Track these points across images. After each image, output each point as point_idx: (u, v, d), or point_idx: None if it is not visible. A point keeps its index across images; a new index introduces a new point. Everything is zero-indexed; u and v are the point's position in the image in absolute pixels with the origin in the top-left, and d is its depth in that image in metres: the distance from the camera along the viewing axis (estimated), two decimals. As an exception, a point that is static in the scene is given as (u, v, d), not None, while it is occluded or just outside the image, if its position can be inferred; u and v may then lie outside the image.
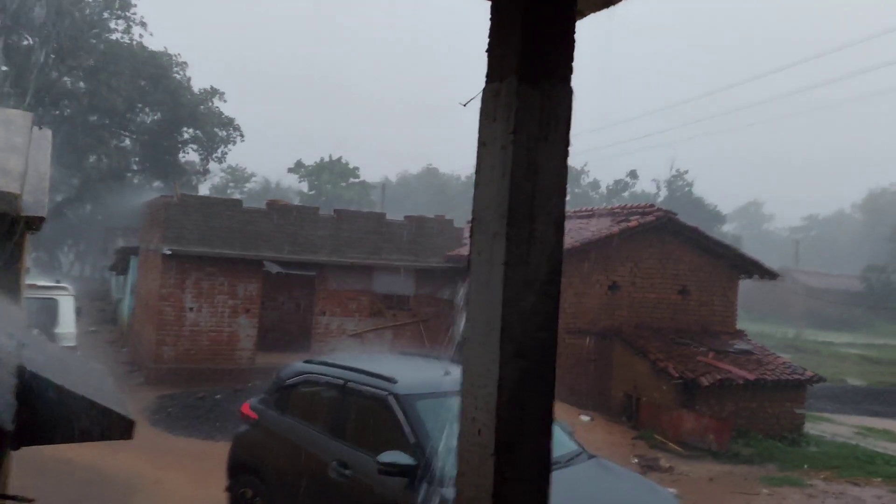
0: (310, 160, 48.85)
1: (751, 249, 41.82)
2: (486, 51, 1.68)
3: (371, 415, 5.81)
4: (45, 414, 2.13)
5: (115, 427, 2.42)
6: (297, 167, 49.05)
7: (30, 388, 2.08)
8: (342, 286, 16.39)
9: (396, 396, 5.59)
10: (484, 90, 1.65)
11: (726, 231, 53.88)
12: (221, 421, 11.71)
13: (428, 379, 5.85)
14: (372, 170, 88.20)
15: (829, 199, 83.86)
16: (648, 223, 14.60)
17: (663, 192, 53.57)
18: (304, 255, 15.79)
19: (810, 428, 14.03)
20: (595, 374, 14.10)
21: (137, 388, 14.05)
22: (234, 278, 15.26)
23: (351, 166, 48.73)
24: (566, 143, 1.56)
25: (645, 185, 55.85)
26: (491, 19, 1.67)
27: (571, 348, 14.05)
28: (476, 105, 1.72)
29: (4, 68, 29.00)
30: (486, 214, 1.60)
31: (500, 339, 1.51)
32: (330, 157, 48.45)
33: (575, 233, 14.97)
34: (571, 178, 57.87)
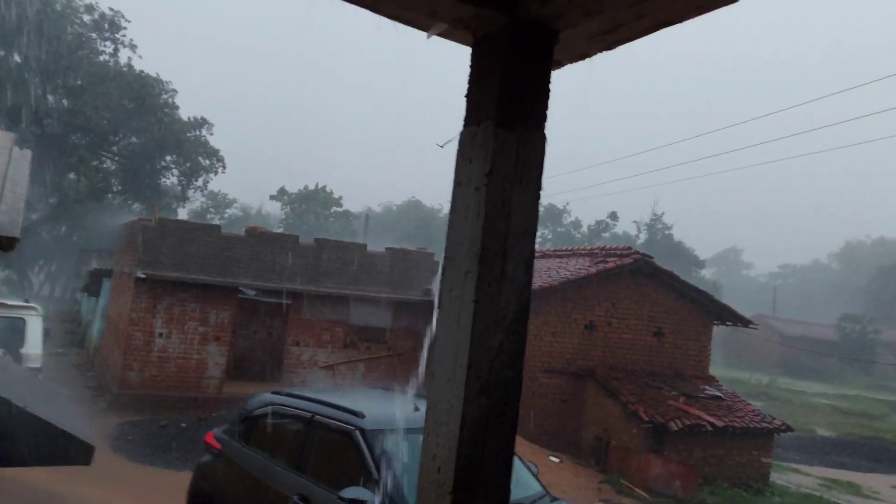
0: (293, 189, 48.87)
1: (728, 295, 42.34)
2: (465, 95, 1.72)
3: (336, 449, 5.72)
4: (5, 436, 2.10)
5: (75, 452, 2.38)
6: (280, 194, 48.99)
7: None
8: (317, 316, 16.25)
9: (363, 431, 5.52)
10: (462, 133, 1.70)
11: (705, 276, 54.55)
12: (184, 450, 11.46)
13: (396, 414, 5.80)
14: (356, 200, 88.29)
15: (805, 248, 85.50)
16: (626, 265, 14.82)
17: (643, 235, 54.28)
18: (281, 282, 15.67)
19: (776, 478, 14.06)
20: (567, 414, 14.08)
21: (101, 414, 13.72)
22: (206, 305, 15.07)
23: (335, 195, 48.80)
24: (538, 186, 1.61)
25: (626, 227, 56.58)
26: (471, 66, 1.72)
27: (546, 387, 14.04)
28: (454, 146, 1.76)
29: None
30: (458, 252, 1.63)
31: (466, 377, 1.53)
32: (316, 185, 48.49)
33: (554, 272, 15.10)
34: (553, 217, 58.56)
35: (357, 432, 5.53)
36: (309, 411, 6.09)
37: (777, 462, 14.80)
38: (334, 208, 48.53)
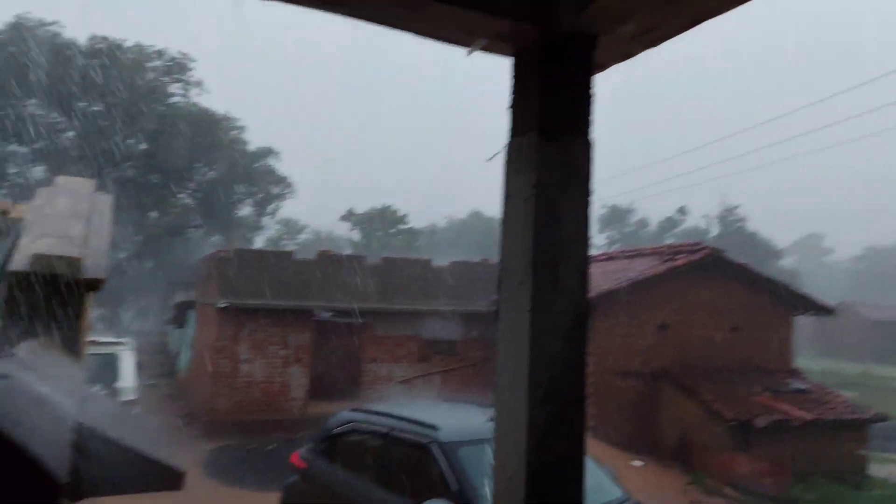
0: (361, 209, 49.84)
1: (810, 283, 40.37)
2: (509, 107, 1.75)
3: (414, 463, 5.80)
4: (99, 467, 2.24)
5: (166, 478, 2.51)
6: (348, 216, 50.03)
7: (86, 443, 2.20)
8: (389, 332, 16.51)
9: (439, 444, 5.58)
10: (507, 145, 1.73)
11: (783, 265, 52.27)
12: (273, 471, 11.79)
13: (471, 426, 5.83)
14: (420, 216, 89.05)
15: (889, 230, 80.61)
16: (695, 261, 14.41)
17: (715, 228, 52.52)
18: (353, 302, 16.00)
19: (875, 470, 13.29)
20: (645, 416, 13.76)
21: (194, 440, 14.28)
22: (285, 329, 15.53)
23: (399, 213, 49.45)
24: (587, 193, 1.62)
25: (696, 222, 54.87)
26: (511, 78, 1.75)
27: (620, 391, 13.77)
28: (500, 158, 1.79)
29: (72, 133, 30.71)
30: (512, 264, 1.66)
31: (528, 385, 1.55)
32: (381, 205, 49.33)
33: (620, 273, 14.83)
34: (618, 218, 57.41)
35: (433, 445, 5.60)
36: (386, 426, 6.21)
37: (875, 453, 13.98)
38: (399, 226, 49.16)
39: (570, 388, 1.56)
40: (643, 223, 58.12)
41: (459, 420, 6.22)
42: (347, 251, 38.19)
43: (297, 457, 7.19)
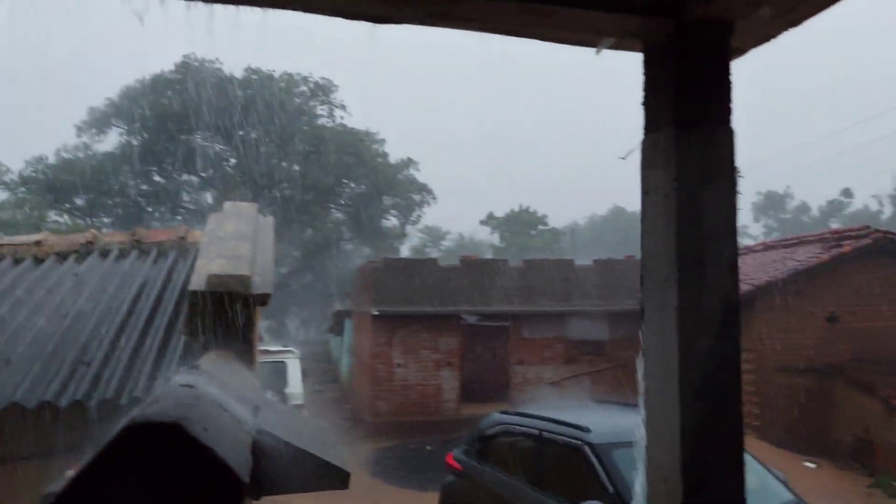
0: (501, 212, 50.16)
1: None
2: (642, 103, 1.73)
3: (567, 464, 5.80)
4: (274, 467, 2.45)
5: (333, 478, 2.70)
6: (489, 220, 50.52)
7: (262, 445, 2.42)
8: (535, 334, 16.50)
9: (591, 445, 5.55)
10: (643, 141, 1.70)
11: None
12: (432, 471, 12.16)
13: (623, 427, 5.70)
14: (560, 216, 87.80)
15: None
16: (865, 247, 13.08)
17: (888, 209, 47.36)
18: (497, 306, 16.16)
19: None
20: (815, 415, 12.65)
21: (359, 442, 15.05)
22: (435, 333, 16.02)
23: (539, 214, 49.21)
24: (732, 184, 1.56)
25: (864, 203, 49.78)
26: (644, 73, 1.72)
27: (785, 388, 12.78)
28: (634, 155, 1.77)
29: (234, 160, 33.53)
30: (654, 262, 1.63)
31: (679, 384, 1.52)
32: (519, 206, 49.37)
33: (780, 263, 13.79)
34: (774, 205, 53.36)
35: (586, 447, 5.57)
36: (537, 428, 6.26)
37: None
38: (540, 227, 48.89)
39: (723, 387, 1.51)
40: (803, 208, 53.66)
41: (611, 421, 6.12)
42: (489, 255, 38.58)
43: (452, 457, 7.40)
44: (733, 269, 1.55)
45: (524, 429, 6.47)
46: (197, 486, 1.47)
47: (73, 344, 4.44)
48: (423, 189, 36.30)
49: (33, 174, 30.44)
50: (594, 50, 1.79)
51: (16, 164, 30.81)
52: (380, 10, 1.56)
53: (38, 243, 5.83)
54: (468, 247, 50.75)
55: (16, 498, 3.39)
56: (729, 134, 1.58)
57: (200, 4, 1.49)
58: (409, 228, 39.04)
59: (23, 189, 30.54)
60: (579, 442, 5.67)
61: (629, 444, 5.41)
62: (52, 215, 31.25)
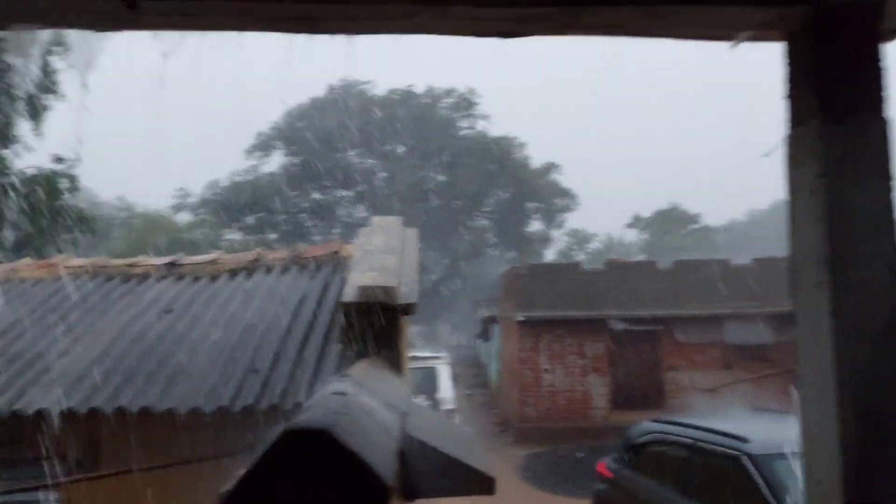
0: (648, 212, 48.43)
1: None
2: (785, 96, 1.65)
3: (723, 476, 5.54)
4: (420, 472, 2.55)
5: (479, 483, 2.75)
6: (635, 221, 48.93)
7: (409, 451, 2.53)
8: (688, 339, 15.72)
9: (750, 456, 5.24)
10: (786, 136, 1.62)
11: None
12: (583, 478, 11.98)
13: (785, 437, 5.31)
14: (715, 213, 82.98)
15: None
16: None
17: None
18: (646, 309, 15.60)
19: None
20: None
21: (508, 447, 15.14)
22: (581, 338, 15.79)
23: (690, 212, 46.92)
24: (887, 178, 1.44)
25: None
26: (785, 65, 1.64)
27: None
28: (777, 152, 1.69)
29: (384, 174, 35.05)
30: (804, 264, 1.55)
31: (837, 396, 1.43)
32: (669, 204, 47.40)
33: None
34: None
35: (745, 458, 5.27)
36: (690, 438, 6.05)
37: None
38: (691, 226, 46.53)
39: (887, 400, 1.39)
40: None
41: (772, 431, 5.72)
42: (637, 257, 37.35)
43: (603, 466, 7.29)
44: (893, 270, 1.43)
45: (677, 438, 6.25)
46: (345, 490, 1.58)
47: (244, 354, 4.87)
48: (566, 194, 35.99)
49: (210, 197, 33.66)
50: (729, 45, 1.72)
51: (197, 189, 34.26)
52: (506, 26, 1.61)
53: (213, 262, 6.47)
54: (616, 249, 49.38)
55: (197, 496, 3.77)
56: (881, 124, 1.46)
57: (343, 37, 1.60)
58: (553, 232, 38.76)
59: (202, 210, 33.90)
60: (737, 452, 5.39)
61: (791, 456, 5.04)
62: (227, 234, 34.44)
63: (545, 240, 39.18)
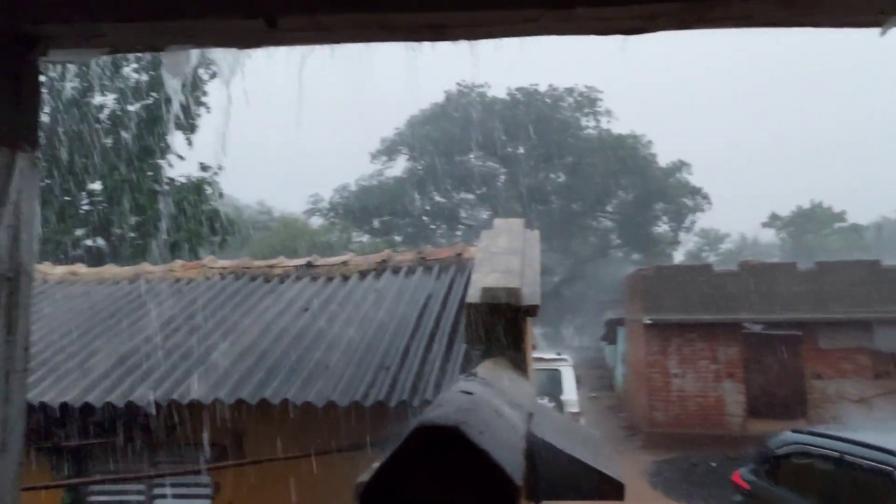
0: (785, 211, 45.37)
1: None
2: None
3: (873, 492, 5.15)
4: (547, 474, 2.56)
5: (608, 488, 2.72)
6: (772, 220, 45.95)
7: (535, 452, 2.55)
8: (833, 345, 14.60)
9: (906, 473, 4.79)
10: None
11: None
12: (717, 488, 11.47)
13: None
14: (863, 210, 75.88)
15: None
16: None
17: None
18: (784, 313, 14.65)
19: None
20: None
21: (636, 452, 14.74)
22: (712, 342, 15.14)
23: (835, 210, 43.42)
24: None
25: None
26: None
27: None
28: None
29: (505, 177, 35.12)
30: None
31: None
32: (810, 203, 44.14)
33: None
34: None
35: (899, 474, 4.84)
36: (838, 451, 5.65)
37: None
38: (836, 224, 43.01)
39: None
40: None
41: None
42: (774, 258, 35.10)
43: (739, 476, 6.95)
44: None
45: (822, 450, 5.86)
46: (474, 487, 1.64)
47: (375, 352, 5.09)
48: (697, 192, 34.35)
49: (340, 201, 35.26)
50: (878, 31, 1.62)
51: (328, 194, 36.06)
52: (632, 24, 1.58)
53: (344, 263, 6.81)
54: (750, 250, 46.61)
55: (333, 486, 3.99)
56: None
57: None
58: (682, 234, 37.18)
59: (332, 214, 35.61)
60: (890, 468, 4.98)
61: None
62: (356, 237, 35.95)
63: (673, 241, 37.69)
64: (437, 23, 1.50)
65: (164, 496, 5.23)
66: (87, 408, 4.76)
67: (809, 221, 43.42)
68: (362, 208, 33.80)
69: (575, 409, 12.66)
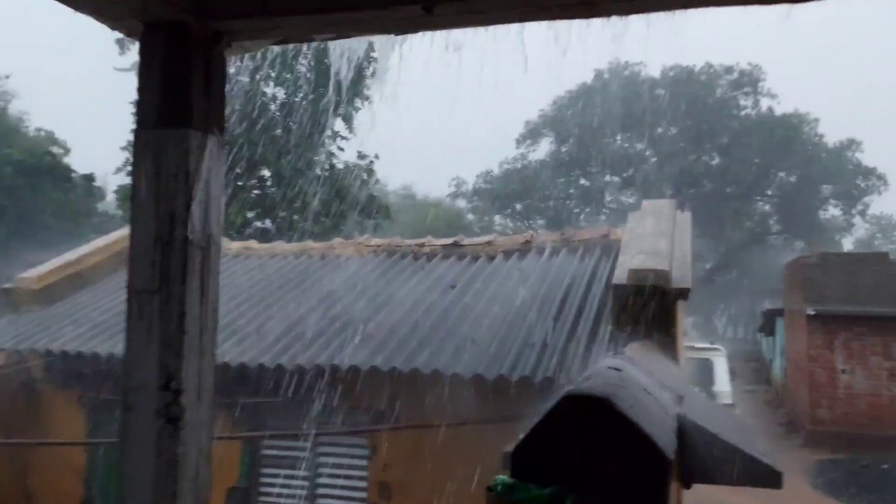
0: None
1: None
2: None
3: None
4: (700, 457, 2.55)
5: (765, 476, 2.66)
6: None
7: (686, 433, 2.54)
8: None
9: None
10: None
11: None
12: (890, 491, 10.53)
13: None
14: None
15: None
16: None
17: None
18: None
19: None
20: None
21: (796, 450, 13.88)
22: (888, 338, 13.82)
23: None
24: None
25: None
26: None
27: None
28: None
29: (654, 159, 33.80)
30: None
31: None
32: None
33: None
34: None
35: None
36: None
37: None
38: None
39: None
40: None
41: None
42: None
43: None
44: None
45: None
46: (626, 457, 1.69)
47: (520, 329, 5.23)
48: (871, 173, 31.15)
49: (483, 185, 35.67)
50: None
51: (472, 178, 36.60)
52: None
53: (489, 243, 6.99)
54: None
55: (481, 453, 4.16)
56: None
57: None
58: (854, 220, 33.96)
59: (475, 198, 36.16)
60: None
61: None
62: (498, 219, 36.26)
63: (843, 227, 34.54)
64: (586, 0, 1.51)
65: (325, 454, 5.71)
66: (261, 369, 5.30)
67: None
68: (505, 192, 34.00)
69: (728, 402, 12.10)
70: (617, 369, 2.58)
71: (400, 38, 1.68)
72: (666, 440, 2.42)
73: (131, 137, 1.69)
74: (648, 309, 4.63)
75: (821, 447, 13.71)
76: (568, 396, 1.79)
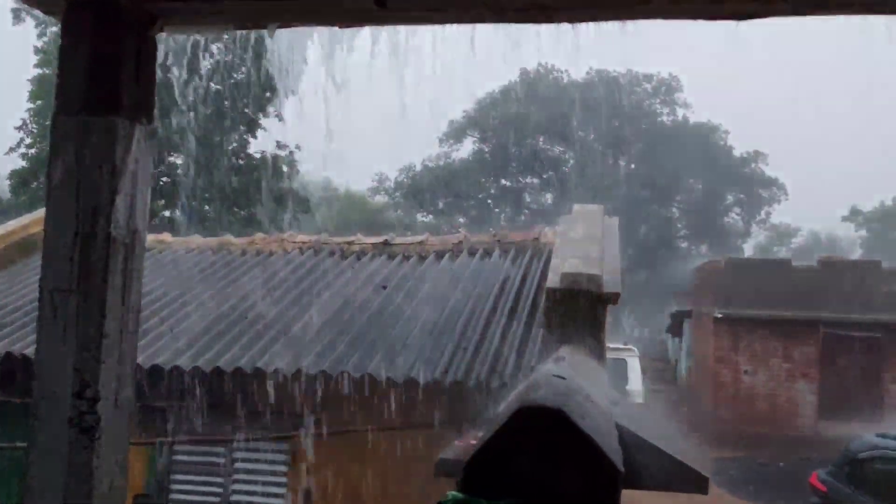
0: (869, 206, 43.12)
1: None
2: None
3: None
4: (635, 462, 2.55)
5: (691, 481, 2.69)
6: (853, 215, 43.81)
7: (625, 439, 2.54)
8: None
9: None
10: None
11: None
12: (787, 489, 11.16)
13: None
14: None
15: None
16: None
17: None
18: (867, 314, 14.04)
19: None
20: None
21: (699, 448, 14.43)
22: (787, 341, 14.66)
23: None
24: None
25: None
26: None
27: None
28: None
29: (572, 162, 34.63)
30: None
31: None
32: (893, 200, 41.88)
33: None
34: None
35: None
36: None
37: None
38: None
39: None
40: None
41: None
42: (854, 255, 33.58)
43: (816, 478, 6.77)
44: None
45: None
46: (578, 470, 1.65)
47: (452, 331, 5.17)
48: (772, 183, 33.12)
49: (404, 181, 35.55)
50: None
51: (393, 174, 36.42)
52: (746, 8, 1.52)
53: (420, 243, 6.90)
54: (824, 247, 44.61)
55: (410, 459, 4.09)
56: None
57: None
58: (753, 227, 36.02)
59: (397, 194, 36.01)
60: None
61: None
62: (419, 217, 36.24)
63: (744, 234, 36.53)
64: (542, 4, 1.47)
65: (243, 460, 5.46)
66: (176, 371, 5.01)
67: (894, 218, 41.27)
68: (426, 189, 34.04)
69: (640, 401, 12.51)
70: (562, 377, 2.54)
71: (346, 31, 1.59)
72: (615, 451, 2.38)
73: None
74: (579, 313, 4.68)
75: (722, 446, 14.31)
76: (523, 408, 1.73)
